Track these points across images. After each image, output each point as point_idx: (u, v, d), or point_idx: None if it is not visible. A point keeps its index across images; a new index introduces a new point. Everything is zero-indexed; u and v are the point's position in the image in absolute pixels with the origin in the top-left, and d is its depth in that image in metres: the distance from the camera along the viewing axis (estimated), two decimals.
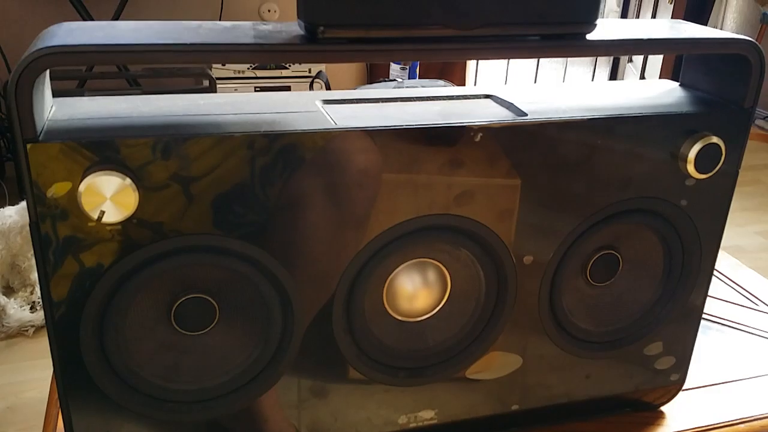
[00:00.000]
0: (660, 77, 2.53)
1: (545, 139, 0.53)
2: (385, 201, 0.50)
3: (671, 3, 2.51)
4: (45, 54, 0.40)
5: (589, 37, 0.51)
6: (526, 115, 0.53)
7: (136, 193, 0.44)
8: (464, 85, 2.40)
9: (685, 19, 2.53)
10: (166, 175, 0.45)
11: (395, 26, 0.46)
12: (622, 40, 0.52)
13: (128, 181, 0.43)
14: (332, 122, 0.49)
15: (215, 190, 0.46)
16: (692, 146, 0.56)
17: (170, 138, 0.44)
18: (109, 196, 0.43)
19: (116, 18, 2.16)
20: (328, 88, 1.18)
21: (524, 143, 0.52)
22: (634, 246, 0.60)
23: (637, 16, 3.11)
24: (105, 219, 0.43)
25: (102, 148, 0.43)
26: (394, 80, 1.39)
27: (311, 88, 1.82)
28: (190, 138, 0.44)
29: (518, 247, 0.55)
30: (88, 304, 0.46)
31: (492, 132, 0.51)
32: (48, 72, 0.45)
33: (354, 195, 0.49)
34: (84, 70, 2.18)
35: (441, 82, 1.14)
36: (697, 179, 0.58)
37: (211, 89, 1.95)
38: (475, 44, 0.48)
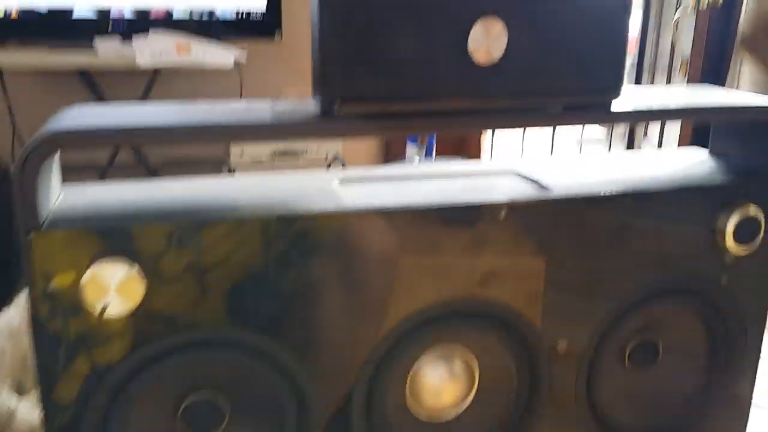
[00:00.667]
0: (679, 138, 2.52)
1: (573, 216, 0.50)
2: (404, 286, 0.47)
3: (684, 76, 2.53)
4: (50, 137, 0.39)
5: (614, 105, 0.49)
6: (552, 190, 0.51)
7: (144, 282, 0.41)
8: (480, 156, 2.40)
9: None
10: (177, 264, 0.42)
11: (413, 99, 0.44)
12: (651, 111, 0.50)
13: (135, 268, 0.41)
14: (349, 203, 0.47)
15: (229, 279, 0.43)
16: (729, 219, 0.53)
17: (181, 224, 0.42)
18: (114, 286, 0.40)
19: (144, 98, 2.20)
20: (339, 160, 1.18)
21: (551, 220, 0.50)
22: (673, 329, 0.56)
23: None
24: (109, 311, 0.41)
25: (109, 235, 0.41)
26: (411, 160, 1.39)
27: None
28: (203, 224, 0.42)
29: (550, 333, 0.52)
30: (90, 405, 0.43)
31: (517, 209, 0.49)
32: (57, 157, 0.43)
33: (372, 280, 0.47)
34: (107, 162, 2.21)
35: (458, 159, 1.14)
36: (737, 254, 0.54)
37: None
38: (495, 116, 0.47)
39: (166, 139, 0.41)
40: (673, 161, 0.59)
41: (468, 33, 0.44)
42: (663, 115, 0.51)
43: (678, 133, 2.63)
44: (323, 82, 0.43)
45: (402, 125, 0.44)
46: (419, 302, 0.48)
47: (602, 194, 0.50)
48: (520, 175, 0.55)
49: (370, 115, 0.44)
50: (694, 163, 0.59)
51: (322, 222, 0.44)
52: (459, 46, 0.44)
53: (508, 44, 0.45)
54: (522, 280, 0.50)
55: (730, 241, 0.53)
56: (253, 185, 0.50)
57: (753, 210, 0.53)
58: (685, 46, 2.58)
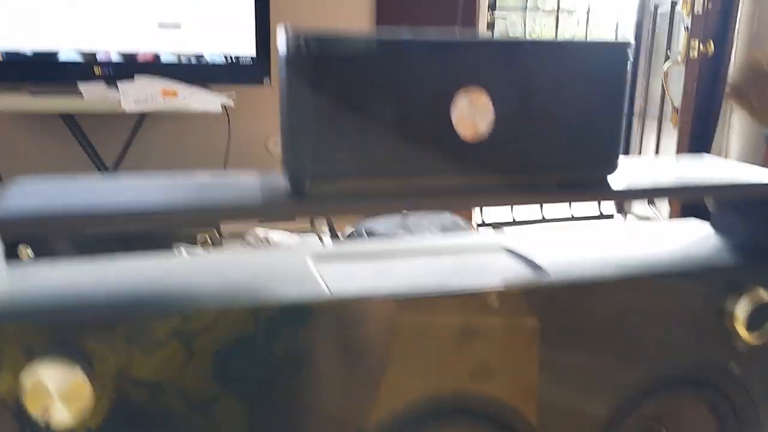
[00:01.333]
0: (670, 210, 2.50)
1: (571, 302, 0.46)
2: (387, 381, 0.43)
3: (675, 127, 2.52)
4: None
5: (610, 181, 0.45)
6: (548, 273, 0.47)
7: (91, 389, 0.36)
8: (471, 214, 2.36)
9: (691, 142, 2.54)
10: (134, 361, 0.38)
11: (392, 176, 0.40)
12: (648, 189, 0.46)
13: (79, 372, 0.36)
14: (323, 288, 0.42)
15: (172, 397, 0.39)
16: (739, 303, 0.49)
17: (130, 318, 0.37)
18: (57, 393, 0.36)
19: (125, 149, 2.16)
20: (330, 225, 1.14)
21: (547, 307, 0.45)
22: (681, 422, 0.52)
23: (641, 139, 3.14)
24: (54, 423, 0.36)
25: (50, 331, 0.36)
26: (399, 213, 1.34)
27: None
28: (156, 318, 0.38)
29: (549, 431, 0.47)
30: None
31: (510, 296, 0.44)
32: None
33: (349, 376, 0.42)
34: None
35: (448, 215, 1.10)
36: (748, 341, 0.50)
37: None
38: (480, 193, 0.43)
39: (115, 227, 0.36)
40: (675, 238, 0.55)
41: (450, 105, 0.40)
42: (661, 193, 0.47)
43: None
44: (292, 158, 0.39)
45: (380, 205, 0.40)
46: (403, 400, 0.43)
47: (603, 278, 0.46)
48: (513, 254, 0.51)
49: (345, 194, 0.39)
50: (698, 240, 0.55)
51: (290, 312, 0.40)
52: (442, 120, 0.40)
53: (495, 118, 0.41)
54: (516, 373, 0.46)
55: (741, 329, 0.49)
56: (218, 266, 0.45)
57: (764, 293, 0.49)
58: (675, 94, 2.58)
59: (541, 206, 3.19)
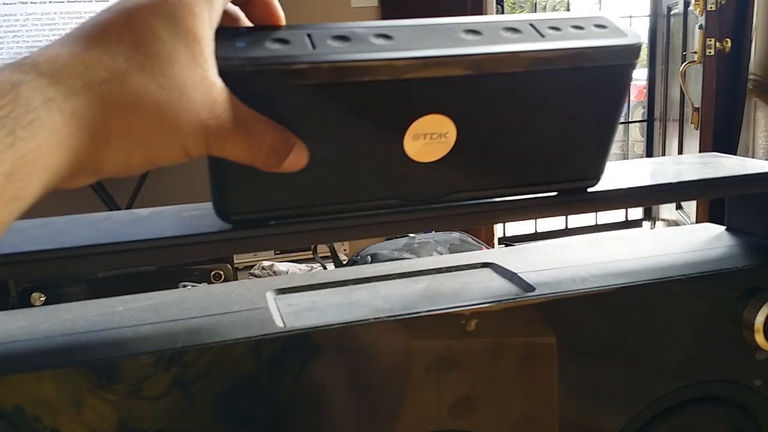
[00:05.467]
0: (697, 210, 2.41)
1: (563, 320, 0.41)
2: (352, 423, 0.38)
3: (697, 128, 2.44)
4: None
5: (593, 189, 0.40)
6: (533, 289, 0.41)
7: None
8: (492, 231, 2.29)
9: (714, 142, 2.45)
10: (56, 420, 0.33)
11: (331, 205, 0.36)
12: (633, 188, 0.41)
13: None
14: (279, 322, 0.38)
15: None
16: (758, 310, 0.43)
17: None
18: None
19: (136, 191, 2.15)
20: (333, 251, 1.09)
21: (535, 326, 0.40)
22: None
23: (663, 143, 3.05)
24: None
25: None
26: (406, 235, 1.29)
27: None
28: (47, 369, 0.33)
29: None
30: None
31: (489, 317, 0.39)
32: None
33: (307, 420, 0.37)
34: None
35: (456, 234, 1.04)
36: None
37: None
38: (436, 213, 0.38)
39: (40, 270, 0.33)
40: (684, 242, 0.50)
41: (405, 131, 0.34)
42: (643, 198, 0.42)
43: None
44: (219, 189, 0.34)
45: (315, 236, 0.36)
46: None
47: (601, 289, 0.41)
48: (497, 270, 0.46)
49: (278, 225, 0.35)
50: (708, 241, 0.49)
51: (237, 350, 0.35)
52: (393, 146, 0.34)
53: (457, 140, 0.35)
54: (506, 404, 0.40)
55: (759, 337, 0.43)
56: (167, 304, 0.41)
57: None
58: (694, 95, 2.50)
59: (535, 220, 3.12)
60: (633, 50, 0.35)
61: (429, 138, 0.34)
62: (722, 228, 0.52)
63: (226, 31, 0.31)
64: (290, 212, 0.35)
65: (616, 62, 0.35)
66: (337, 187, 0.35)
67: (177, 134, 0.28)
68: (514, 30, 0.34)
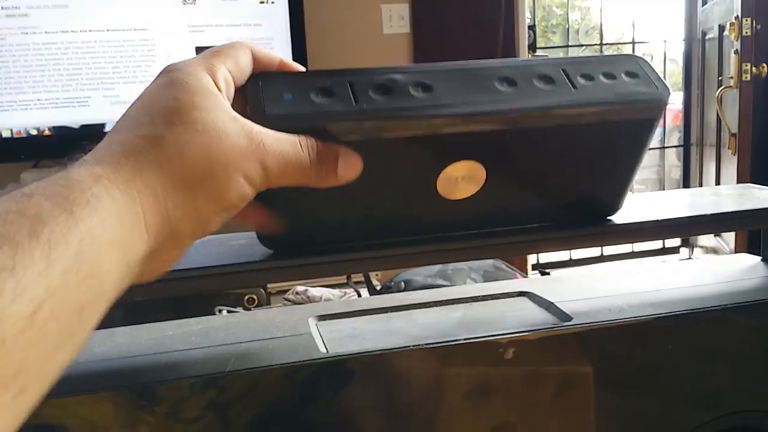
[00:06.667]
0: (735, 236, 2.37)
1: (599, 349, 0.41)
2: None
3: (734, 154, 2.41)
4: None
5: (614, 220, 0.41)
6: (571, 318, 0.42)
7: None
8: (525, 258, 2.29)
9: (752, 168, 2.41)
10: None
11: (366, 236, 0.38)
12: (666, 220, 0.42)
13: None
14: (321, 348, 0.39)
15: None
16: None
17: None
18: None
19: None
20: (367, 277, 1.11)
21: (571, 356, 0.41)
22: None
23: (700, 169, 3.01)
24: None
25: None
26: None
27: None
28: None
29: None
30: None
31: (526, 346, 0.40)
32: None
33: None
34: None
35: (490, 261, 1.05)
36: None
37: None
38: (470, 244, 0.40)
39: None
40: (718, 273, 0.50)
41: (438, 174, 0.36)
42: (666, 231, 0.42)
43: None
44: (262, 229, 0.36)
45: (354, 265, 0.37)
46: None
47: (638, 320, 0.42)
48: (534, 299, 0.47)
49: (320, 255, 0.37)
50: (743, 272, 0.49)
51: (278, 374, 0.37)
52: (426, 185, 0.37)
53: (486, 180, 0.37)
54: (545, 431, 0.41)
55: None
56: (214, 329, 0.43)
57: None
58: (731, 120, 2.47)
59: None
60: (661, 105, 0.37)
61: (460, 179, 0.36)
62: (758, 258, 0.52)
63: (268, 78, 0.33)
64: (330, 245, 0.37)
65: (644, 116, 0.37)
66: (371, 221, 0.37)
67: (230, 167, 0.29)
68: (547, 79, 0.36)
